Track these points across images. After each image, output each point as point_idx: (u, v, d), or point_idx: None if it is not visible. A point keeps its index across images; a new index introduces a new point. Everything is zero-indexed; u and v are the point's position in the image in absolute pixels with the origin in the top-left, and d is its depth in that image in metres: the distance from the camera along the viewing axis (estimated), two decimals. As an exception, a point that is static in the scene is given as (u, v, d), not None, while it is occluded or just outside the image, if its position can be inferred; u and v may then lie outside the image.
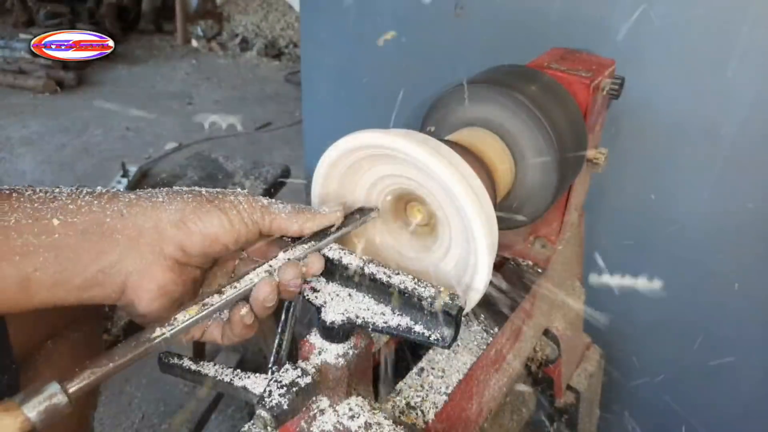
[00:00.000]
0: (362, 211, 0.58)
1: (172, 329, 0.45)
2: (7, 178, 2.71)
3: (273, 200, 0.52)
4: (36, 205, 0.45)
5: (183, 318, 0.46)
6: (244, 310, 0.49)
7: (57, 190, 0.47)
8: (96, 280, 0.46)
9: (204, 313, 0.47)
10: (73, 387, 0.40)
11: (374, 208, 0.59)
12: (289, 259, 0.51)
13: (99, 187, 0.49)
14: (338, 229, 0.54)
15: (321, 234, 0.53)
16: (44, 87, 3.58)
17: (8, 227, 0.43)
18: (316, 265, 0.51)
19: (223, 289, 0.49)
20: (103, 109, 3.50)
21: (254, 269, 0.50)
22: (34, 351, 0.72)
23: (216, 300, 0.48)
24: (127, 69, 4.17)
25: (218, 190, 0.51)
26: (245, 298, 0.49)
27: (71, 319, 0.77)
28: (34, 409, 0.38)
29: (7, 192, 0.45)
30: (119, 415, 1.59)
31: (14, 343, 0.63)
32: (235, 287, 0.49)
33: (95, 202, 0.47)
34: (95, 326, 0.88)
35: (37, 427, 0.38)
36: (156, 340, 0.44)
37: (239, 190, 0.52)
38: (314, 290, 0.53)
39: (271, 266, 0.50)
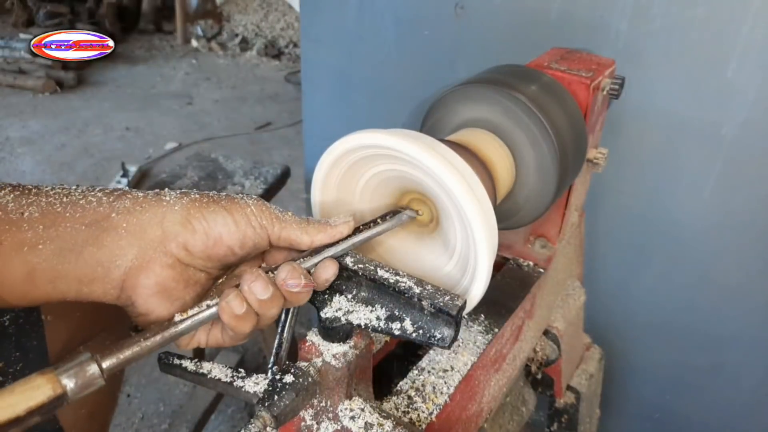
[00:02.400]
0: (394, 213, 0.57)
1: (193, 317, 0.47)
2: (7, 178, 2.71)
3: (283, 210, 0.52)
4: (50, 199, 0.47)
5: (200, 309, 0.48)
6: (231, 295, 0.47)
7: (74, 187, 0.49)
8: (95, 274, 0.47)
9: (214, 307, 0.48)
10: (105, 362, 0.42)
11: (409, 208, 0.58)
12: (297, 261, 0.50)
13: (112, 186, 0.50)
14: (369, 228, 0.54)
15: (334, 244, 0.52)
16: (44, 87, 3.58)
17: (21, 219, 0.45)
18: (330, 270, 0.50)
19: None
20: (103, 109, 3.50)
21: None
22: (66, 355, 0.74)
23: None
24: (127, 69, 4.17)
25: (228, 194, 0.51)
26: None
27: (105, 325, 0.78)
28: (67, 377, 0.39)
29: (30, 187, 0.47)
30: (119, 415, 1.59)
31: (50, 346, 0.65)
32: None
33: (105, 198, 0.48)
34: (124, 333, 0.91)
35: (68, 396, 0.39)
36: (181, 326, 0.47)
37: (253, 195, 0.52)
38: (314, 290, 0.53)
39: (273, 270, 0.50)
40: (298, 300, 0.49)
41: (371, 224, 0.54)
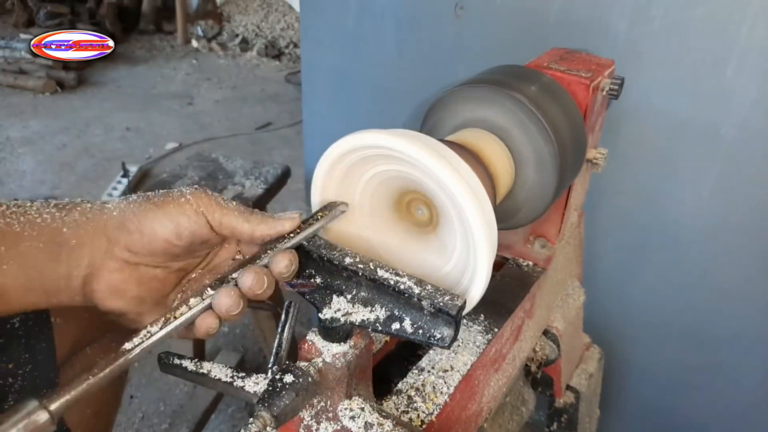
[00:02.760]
0: (332, 206, 0.57)
1: (143, 342, 0.46)
2: (8, 178, 2.71)
3: (228, 199, 0.53)
4: (8, 220, 0.49)
5: (154, 330, 0.47)
6: (209, 319, 0.50)
7: (29, 204, 0.51)
8: (60, 286, 0.50)
9: (171, 327, 0.47)
10: (53, 404, 0.41)
11: (343, 202, 0.58)
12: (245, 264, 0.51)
13: (66, 199, 0.53)
14: (308, 226, 0.53)
15: (283, 238, 0.52)
16: (44, 87, 3.58)
17: None
18: (282, 263, 0.51)
19: (189, 302, 0.49)
20: (104, 109, 3.50)
21: (221, 278, 0.50)
22: (73, 356, 0.76)
23: (183, 310, 0.48)
24: (127, 69, 4.17)
25: (167, 190, 0.53)
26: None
27: (111, 326, 0.80)
28: (13, 428, 0.38)
29: None
30: (119, 414, 1.58)
31: (58, 347, 0.67)
32: (200, 299, 0.49)
33: (57, 214, 0.51)
34: (129, 334, 0.94)
35: None
36: (134, 353, 0.46)
37: (195, 186, 0.53)
38: (314, 290, 0.53)
39: (233, 276, 0.50)
40: (263, 297, 0.51)
41: (311, 220, 0.55)
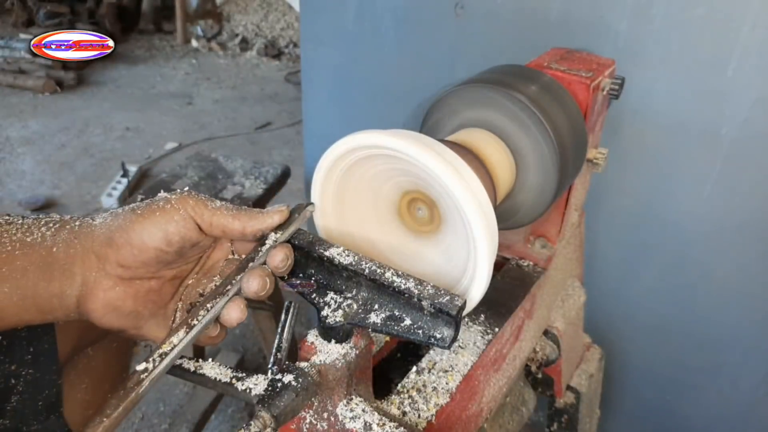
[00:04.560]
0: (299, 208, 0.57)
1: (152, 371, 0.45)
2: (7, 178, 2.71)
3: (214, 199, 0.53)
4: (2, 239, 0.49)
5: (159, 355, 0.46)
6: (215, 332, 0.52)
7: (19, 221, 0.51)
8: (53, 305, 0.50)
9: (180, 345, 0.47)
10: None
11: (310, 203, 0.58)
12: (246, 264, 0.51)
13: (56, 215, 0.53)
14: (279, 229, 0.54)
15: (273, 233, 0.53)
16: (44, 87, 3.58)
17: None
18: (278, 257, 0.51)
19: (196, 318, 0.49)
20: (103, 109, 3.50)
21: (219, 290, 0.50)
22: (75, 356, 0.76)
23: (185, 330, 0.48)
24: (127, 69, 4.17)
25: (151, 199, 0.52)
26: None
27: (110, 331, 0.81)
28: None
29: None
30: (119, 415, 1.59)
31: (60, 348, 0.67)
32: (205, 311, 0.49)
33: (48, 233, 0.50)
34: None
35: None
36: (141, 388, 0.44)
37: (181, 189, 0.53)
38: (314, 290, 0.53)
39: (234, 283, 0.50)
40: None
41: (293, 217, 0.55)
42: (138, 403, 0.44)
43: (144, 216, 0.50)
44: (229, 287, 0.50)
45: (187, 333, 0.48)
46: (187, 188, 0.53)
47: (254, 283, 0.50)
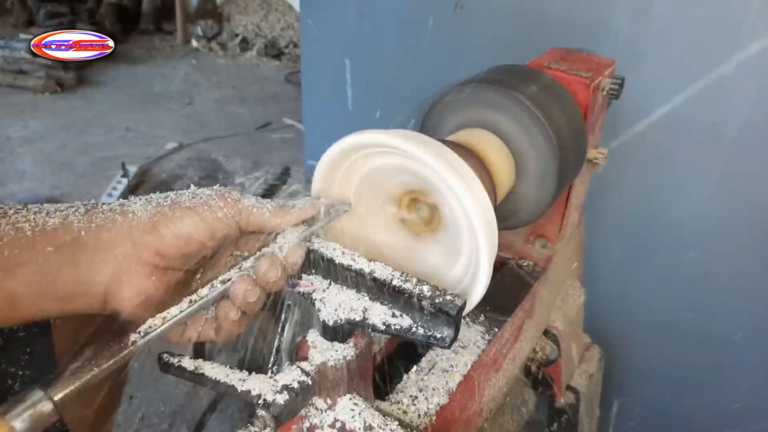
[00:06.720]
0: (333, 207, 0.57)
1: (152, 332, 0.46)
2: (7, 178, 2.71)
3: (251, 196, 0.53)
4: (19, 224, 0.47)
5: (161, 321, 0.47)
6: (227, 308, 0.50)
7: (39, 207, 0.49)
8: (76, 292, 0.48)
9: (181, 315, 0.47)
10: (57, 394, 0.40)
11: (346, 201, 0.59)
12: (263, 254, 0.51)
13: (78, 202, 0.51)
14: (310, 224, 0.54)
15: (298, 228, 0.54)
16: (44, 87, 3.58)
17: None
18: (293, 256, 0.52)
19: (200, 291, 0.49)
20: (104, 109, 3.49)
21: (233, 267, 0.51)
22: (73, 357, 0.75)
23: (195, 298, 0.48)
24: (127, 69, 4.17)
25: (191, 190, 0.52)
26: (227, 296, 0.50)
27: (108, 329, 0.80)
28: (18, 418, 0.38)
29: None
30: (119, 415, 1.59)
31: (57, 344, 0.66)
32: (213, 286, 0.49)
33: (72, 217, 0.49)
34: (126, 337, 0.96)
35: None
36: (139, 343, 0.45)
37: (216, 186, 0.53)
38: (314, 290, 0.53)
39: (247, 263, 0.51)
40: (276, 287, 0.52)
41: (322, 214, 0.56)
42: (113, 369, 0.44)
43: (191, 209, 0.50)
44: (240, 265, 0.51)
45: (192, 304, 0.48)
46: (228, 186, 0.53)
47: (265, 263, 0.50)
